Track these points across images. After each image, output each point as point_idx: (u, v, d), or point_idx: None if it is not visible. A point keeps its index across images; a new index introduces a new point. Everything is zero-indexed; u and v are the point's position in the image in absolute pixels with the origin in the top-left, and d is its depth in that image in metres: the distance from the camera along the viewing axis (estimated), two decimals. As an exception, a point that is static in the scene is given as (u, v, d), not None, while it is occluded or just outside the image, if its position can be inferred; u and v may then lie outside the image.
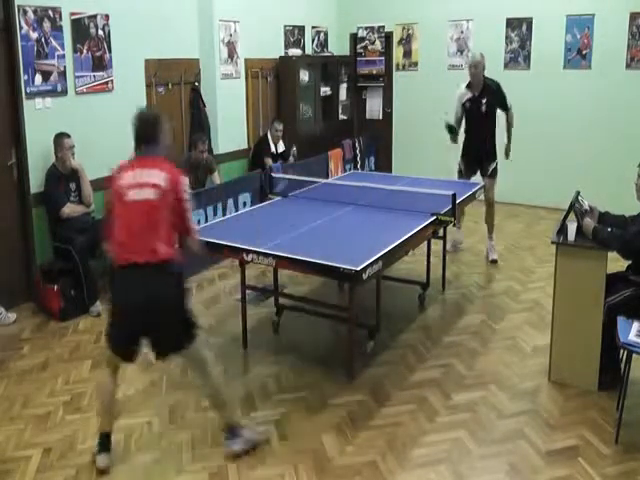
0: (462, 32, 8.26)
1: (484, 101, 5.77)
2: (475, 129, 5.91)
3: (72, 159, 5.00)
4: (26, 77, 4.86)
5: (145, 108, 3.42)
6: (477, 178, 6.12)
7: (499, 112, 5.92)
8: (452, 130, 5.87)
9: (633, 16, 7.13)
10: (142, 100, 5.98)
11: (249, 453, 3.15)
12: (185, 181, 3.01)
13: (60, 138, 4.90)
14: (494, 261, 5.99)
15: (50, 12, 5.00)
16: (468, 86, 5.83)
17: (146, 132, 3.03)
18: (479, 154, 5.92)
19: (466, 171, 6.02)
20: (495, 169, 5.95)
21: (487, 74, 5.95)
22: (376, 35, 8.89)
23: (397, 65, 8.93)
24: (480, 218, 7.15)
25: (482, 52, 5.90)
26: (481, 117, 5.82)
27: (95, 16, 5.41)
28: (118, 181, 2.96)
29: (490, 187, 5.91)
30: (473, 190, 5.19)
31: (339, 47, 9.20)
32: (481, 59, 5.77)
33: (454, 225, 4.62)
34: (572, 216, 3.81)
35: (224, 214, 5.88)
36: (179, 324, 2.98)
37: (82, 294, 4.87)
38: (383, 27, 8.83)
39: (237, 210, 6.01)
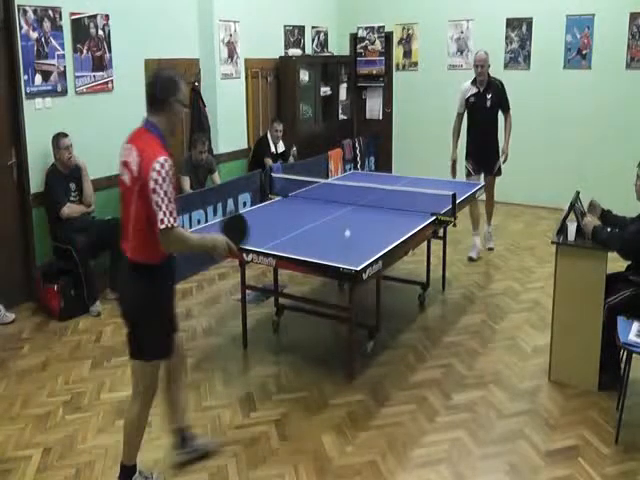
0: (462, 32, 8.26)
1: (489, 96, 5.89)
2: (480, 124, 5.98)
3: (75, 157, 4.98)
4: (26, 77, 4.86)
5: (166, 68, 2.84)
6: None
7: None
8: None
9: (633, 16, 7.13)
10: (142, 100, 5.96)
11: None
12: (159, 166, 2.45)
13: (56, 139, 4.89)
14: (491, 249, 6.27)
15: (50, 12, 5.00)
16: (473, 82, 5.95)
17: (150, 93, 2.64)
18: (484, 150, 6.01)
19: (475, 170, 6.04)
20: (500, 168, 6.10)
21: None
22: (376, 35, 8.89)
23: (397, 65, 8.93)
24: (481, 218, 7.15)
25: (486, 50, 5.98)
26: (486, 111, 5.94)
27: (95, 16, 5.41)
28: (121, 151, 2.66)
29: (492, 184, 6.08)
30: (473, 190, 5.19)
31: (339, 47, 9.20)
32: (487, 57, 5.86)
33: (454, 225, 4.61)
34: (572, 216, 3.82)
35: (224, 214, 5.88)
36: (131, 325, 2.71)
37: (82, 294, 4.87)
38: (383, 27, 8.83)
39: (237, 210, 6.01)
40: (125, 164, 2.59)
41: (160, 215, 2.46)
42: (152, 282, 2.66)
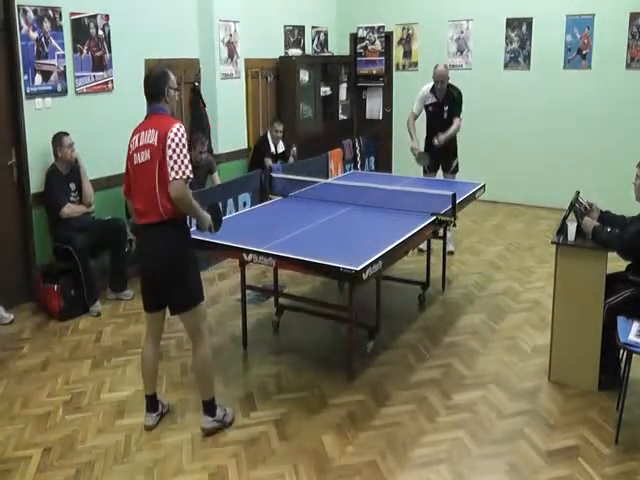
0: (462, 32, 8.26)
1: (446, 108, 5.98)
2: (437, 132, 6.00)
3: (75, 152, 4.99)
4: (26, 77, 4.86)
5: (156, 67, 3.66)
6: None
7: None
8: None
9: (633, 16, 7.13)
10: (142, 100, 5.96)
11: (217, 432, 3.31)
12: (176, 130, 2.99)
13: (59, 137, 4.89)
14: (451, 252, 6.06)
15: (50, 12, 5.00)
16: (432, 90, 6.00)
17: (148, 87, 3.16)
18: (441, 152, 6.04)
19: (430, 169, 6.19)
20: (457, 166, 6.15)
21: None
22: (376, 35, 8.89)
23: (397, 65, 8.93)
24: (480, 218, 7.17)
25: (446, 64, 6.07)
26: (442, 122, 5.98)
27: (95, 16, 5.41)
28: (130, 144, 3.14)
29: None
30: (473, 190, 5.19)
31: (339, 47, 9.20)
32: (447, 71, 5.93)
33: (454, 225, 4.63)
34: (572, 216, 3.82)
35: (224, 214, 5.87)
36: (177, 284, 3.12)
37: (82, 294, 4.88)
38: (383, 27, 8.83)
39: (237, 210, 6.00)
40: (145, 147, 3.03)
41: (174, 167, 2.93)
42: (185, 232, 3.19)
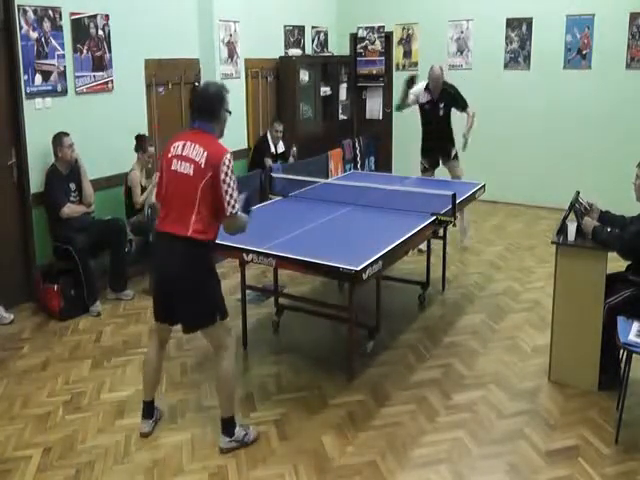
0: (462, 32, 8.26)
1: (442, 105, 6.06)
2: (434, 129, 6.13)
3: (75, 152, 4.99)
4: (26, 77, 4.86)
5: (212, 81, 3.44)
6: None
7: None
8: (400, 108, 6.24)
9: (633, 16, 7.13)
10: (142, 100, 5.98)
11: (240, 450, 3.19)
12: (228, 162, 2.93)
13: (59, 137, 4.89)
14: (465, 247, 6.31)
15: (50, 12, 5.00)
16: (427, 89, 6.06)
17: (201, 105, 3.05)
18: (439, 147, 6.19)
19: (430, 166, 6.29)
20: (456, 153, 6.22)
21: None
22: (376, 35, 8.89)
23: (397, 65, 8.94)
24: (480, 217, 7.17)
25: (441, 65, 6.13)
26: (439, 119, 6.08)
27: (95, 16, 5.41)
28: (169, 148, 3.07)
29: (455, 167, 6.23)
30: (473, 190, 5.19)
31: (339, 47, 9.20)
32: (441, 73, 5.99)
33: (454, 225, 4.63)
34: (572, 216, 3.82)
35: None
36: (193, 302, 3.02)
37: (82, 294, 4.88)
38: (383, 27, 8.83)
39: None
40: (188, 159, 2.96)
41: (231, 201, 2.94)
42: (209, 253, 3.10)
